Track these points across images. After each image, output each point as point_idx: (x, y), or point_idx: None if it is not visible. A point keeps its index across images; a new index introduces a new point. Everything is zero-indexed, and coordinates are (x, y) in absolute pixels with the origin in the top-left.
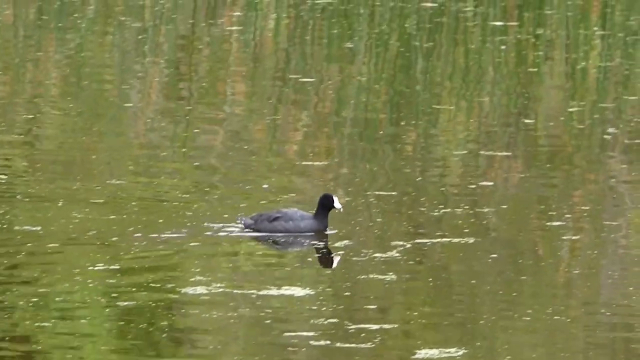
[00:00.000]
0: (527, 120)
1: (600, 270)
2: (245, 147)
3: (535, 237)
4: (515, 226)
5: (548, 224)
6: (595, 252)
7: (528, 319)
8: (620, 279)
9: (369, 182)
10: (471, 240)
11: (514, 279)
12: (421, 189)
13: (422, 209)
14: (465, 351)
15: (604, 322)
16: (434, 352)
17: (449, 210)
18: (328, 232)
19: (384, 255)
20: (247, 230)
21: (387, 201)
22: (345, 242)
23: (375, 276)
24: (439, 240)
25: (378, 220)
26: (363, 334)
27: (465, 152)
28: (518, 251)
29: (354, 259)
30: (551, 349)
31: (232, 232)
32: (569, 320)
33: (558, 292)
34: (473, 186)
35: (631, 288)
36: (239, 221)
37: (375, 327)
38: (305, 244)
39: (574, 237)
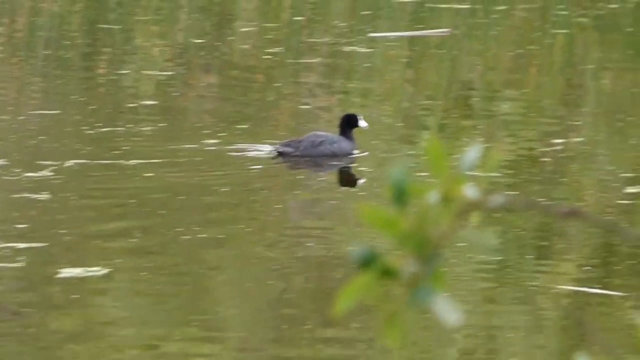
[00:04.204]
0: (222, 43)
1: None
2: None
3: (208, 155)
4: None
5: (220, 136)
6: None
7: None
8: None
9: (56, 104)
10: (141, 161)
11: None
12: (104, 108)
13: (86, 127)
14: (110, 270)
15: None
16: (78, 271)
17: (125, 128)
18: (355, 154)
19: (36, 174)
20: (286, 157)
21: (55, 120)
22: (2, 161)
23: (26, 195)
24: (109, 161)
25: (41, 137)
26: (10, 254)
27: (159, 73)
28: (190, 170)
29: (5, 178)
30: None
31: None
32: (248, 235)
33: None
34: (162, 103)
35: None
36: (274, 150)
37: (23, 245)
38: (337, 165)
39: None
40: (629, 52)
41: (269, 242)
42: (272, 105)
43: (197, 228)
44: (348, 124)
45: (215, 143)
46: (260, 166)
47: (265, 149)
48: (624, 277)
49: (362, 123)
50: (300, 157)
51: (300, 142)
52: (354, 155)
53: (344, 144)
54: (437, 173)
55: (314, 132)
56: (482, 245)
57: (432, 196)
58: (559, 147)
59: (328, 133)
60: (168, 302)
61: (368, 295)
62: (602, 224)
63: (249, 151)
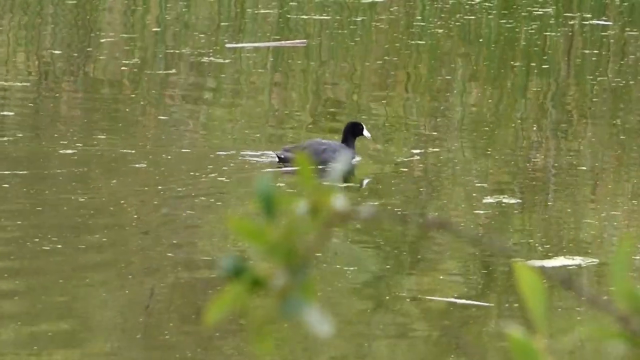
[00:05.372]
0: (84, 54)
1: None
2: None
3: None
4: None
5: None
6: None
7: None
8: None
9: None
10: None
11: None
12: None
13: None
14: None
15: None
16: None
17: None
18: (354, 162)
19: None
20: (288, 163)
21: None
22: None
23: None
24: None
25: None
26: None
27: (21, 83)
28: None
29: None
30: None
31: (269, 163)
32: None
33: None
34: (23, 113)
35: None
36: (276, 155)
37: None
38: None
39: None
40: (486, 63)
41: (135, 248)
42: (132, 115)
43: (56, 238)
44: (352, 132)
45: (74, 153)
46: (119, 175)
47: (269, 156)
48: (493, 288)
49: (366, 133)
50: None
51: (304, 148)
52: (353, 163)
53: (345, 151)
54: (305, 184)
55: (315, 140)
56: (355, 258)
57: (300, 207)
58: (423, 159)
59: (329, 140)
60: (33, 306)
61: (238, 305)
62: (468, 236)
63: (254, 157)
